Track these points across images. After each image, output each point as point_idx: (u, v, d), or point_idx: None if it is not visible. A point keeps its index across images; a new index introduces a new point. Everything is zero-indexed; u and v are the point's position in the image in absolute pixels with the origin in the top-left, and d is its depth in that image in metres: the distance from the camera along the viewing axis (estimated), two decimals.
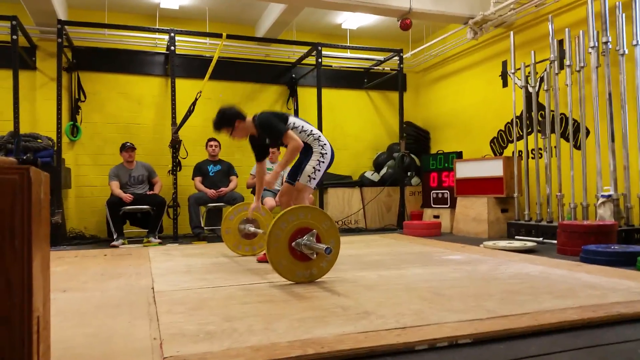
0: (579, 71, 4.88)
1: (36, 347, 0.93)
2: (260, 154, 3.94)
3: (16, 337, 0.87)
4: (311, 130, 3.66)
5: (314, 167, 3.58)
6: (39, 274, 0.97)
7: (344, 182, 7.20)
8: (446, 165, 6.72)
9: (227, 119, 3.64)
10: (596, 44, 4.67)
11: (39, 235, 0.98)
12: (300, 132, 3.61)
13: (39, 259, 0.97)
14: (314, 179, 3.59)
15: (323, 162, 3.61)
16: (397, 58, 7.24)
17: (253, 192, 5.95)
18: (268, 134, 3.62)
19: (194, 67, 6.87)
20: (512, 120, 5.91)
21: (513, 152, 5.79)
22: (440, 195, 6.77)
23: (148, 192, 5.84)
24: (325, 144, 3.66)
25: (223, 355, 1.63)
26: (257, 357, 1.60)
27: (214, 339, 1.82)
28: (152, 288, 2.87)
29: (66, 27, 5.89)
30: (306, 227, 2.91)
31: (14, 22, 5.34)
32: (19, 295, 0.87)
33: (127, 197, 5.51)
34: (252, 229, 4.18)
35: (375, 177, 7.36)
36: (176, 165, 6.02)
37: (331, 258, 2.99)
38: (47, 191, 1.08)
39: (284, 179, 3.86)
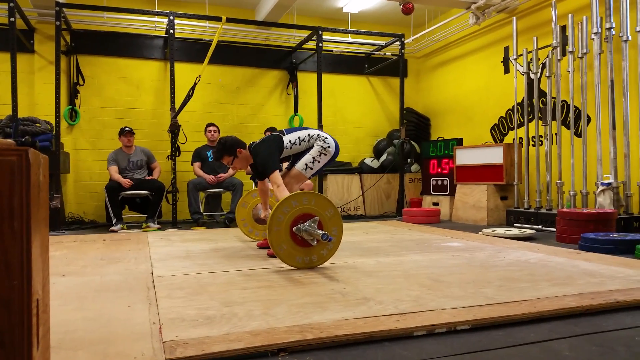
0: (581, 58, 4.84)
1: (36, 329, 0.93)
2: (263, 176, 3.80)
3: (15, 320, 0.86)
4: (308, 134, 3.62)
5: (313, 157, 3.56)
6: (38, 257, 0.96)
7: (343, 168, 7.19)
8: (446, 152, 6.70)
9: (229, 148, 3.57)
10: (599, 30, 4.63)
11: (38, 218, 0.97)
12: (299, 144, 3.58)
13: (38, 241, 0.96)
14: (311, 168, 3.55)
15: (325, 154, 3.58)
16: (398, 43, 7.18)
17: (252, 179, 5.94)
18: (259, 168, 3.55)
19: (194, 51, 6.82)
20: (513, 107, 5.89)
21: (514, 139, 5.77)
22: (439, 183, 6.77)
23: (147, 177, 5.83)
24: (326, 138, 3.63)
25: (222, 340, 1.63)
26: (256, 341, 1.61)
27: (213, 323, 1.83)
28: (152, 273, 2.87)
29: (64, 9, 5.81)
30: (309, 213, 2.90)
31: (11, 4, 5.28)
32: (18, 278, 0.87)
33: (126, 182, 5.49)
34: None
35: (375, 163, 7.35)
36: (175, 151, 6.00)
37: (332, 246, 2.99)
38: (46, 173, 1.07)
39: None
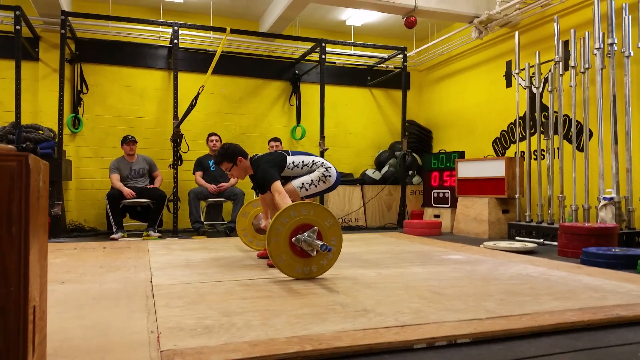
0: (583, 72, 4.86)
1: (32, 336, 0.92)
2: (263, 189, 3.76)
3: (11, 326, 0.86)
4: (312, 161, 3.63)
5: (312, 179, 3.55)
6: (35, 263, 0.95)
7: (345, 179, 7.19)
8: (448, 164, 6.70)
9: (230, 155, 3.60)
10: (601, 46, 4.65)
11: (37, 224, 0.96)
12: (302, 168, 3.58)
13: (36, 247, 0.95)
14: (306, 189, 3.54)
15: (324, 182, 3.58)
16: (401, 56, 7.22)
17: (253, 188, 5.93)
18: (260, 180, 3.55)
19: (197, 61, 6.86)
20: (515, 120, 5.90)
21: (515, 153, 5.77)
22: (441, 195, 6.75)
23: (148, 186, 5.83)
24: (329, 167, 3.63)
25: (220, 350, 1.62)
26: (254, 352, 1.59)
27: (211, 333, 1.81)
28: (151, 281, 2.86)
29: (70, 18, 5.87)
30: (308, 223, 2.90)
31: (17, 13, 5.34)
32: (15, 284, 0.86)
33: (129, 192, 5.48)
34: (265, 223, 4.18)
35: (377, 175, 7.34)
36: (177, 160, 6.01)
37: (332, 256, 2.98)
38: (45, 180, 1.07)
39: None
